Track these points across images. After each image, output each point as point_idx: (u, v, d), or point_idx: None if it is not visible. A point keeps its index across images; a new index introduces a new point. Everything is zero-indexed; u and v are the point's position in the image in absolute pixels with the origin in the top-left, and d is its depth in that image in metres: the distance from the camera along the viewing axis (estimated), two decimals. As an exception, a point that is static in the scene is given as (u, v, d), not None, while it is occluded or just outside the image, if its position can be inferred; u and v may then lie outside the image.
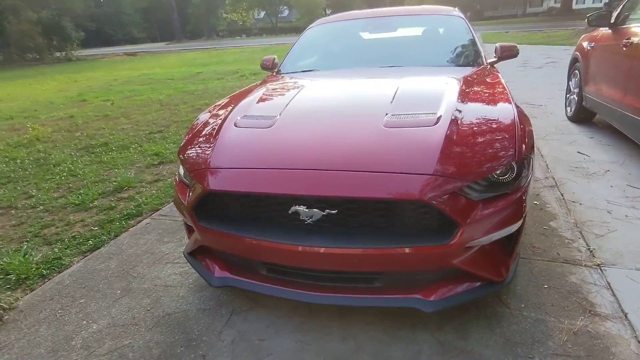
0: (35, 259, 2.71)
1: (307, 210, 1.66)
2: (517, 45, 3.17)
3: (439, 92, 2.19)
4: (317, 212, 1.66)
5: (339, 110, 2.15)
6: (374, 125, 1.88)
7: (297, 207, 1.67)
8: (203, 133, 2.17)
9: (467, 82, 2.38)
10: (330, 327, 1.94)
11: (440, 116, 1.89)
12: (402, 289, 1.76)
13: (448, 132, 1.77)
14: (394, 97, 2.16)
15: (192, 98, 8.71)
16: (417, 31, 3.39)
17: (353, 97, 2.38)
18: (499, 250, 1.81)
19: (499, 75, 2.66)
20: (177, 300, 2.22)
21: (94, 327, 2.06)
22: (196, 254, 2.12)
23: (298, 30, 54.01)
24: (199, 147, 2.06)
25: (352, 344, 1.83)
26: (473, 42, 3.07)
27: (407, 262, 1.65)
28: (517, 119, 1.90)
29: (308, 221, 1.68)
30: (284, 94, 2.54)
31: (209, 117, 2.37)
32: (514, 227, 1.76)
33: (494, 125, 1.87)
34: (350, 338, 1.86)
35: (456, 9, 3.58)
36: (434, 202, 1.55)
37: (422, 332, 1.86)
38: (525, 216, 1.82)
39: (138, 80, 12.97)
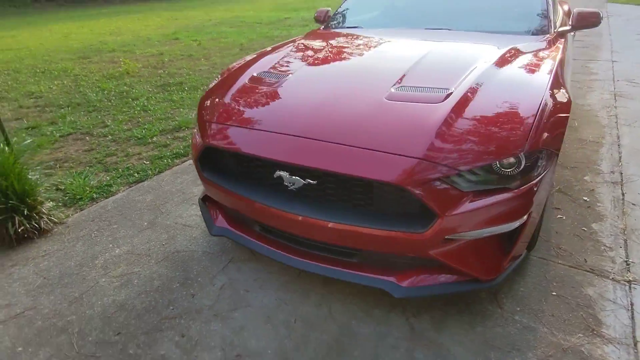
0: (92, 183, 3.08)
1: (289, 176, 1.65)
2: (601, 13, 2.66)
3: (466, 64, 1.96)
4: (298, 180, 1.64)
5: (350, 76, 2.04)
6: (376, 96, 1.76)
7: (280, 173, 1.67)
8: (221, 85, 2.20)
9: (509, 54, 2.09)
10: (311, 291, 1.97)
11: (451, 93, 1.70)
12: (377, 268, 1.71)
13: (452, 111, 1.60)
14: (413, 66, 1.98)
15: (271, 44, 8.75)
16: None
17: (371, 62, 2.22)
18: (492, 247, 1.66)
19: (560, 48, 2.28)
20: (190, 240, 2.39)
21: (116, 252, 2.32)
22: (207, 202, 2.24)
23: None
24: (212, 99, 2.10)
25: (325, 311, 1.85)
26: (544, 6, 2.63)
27: (380, 244, 1.59)
28: (543, 104, 1.64)
29: (290, 187, 1.67)
30: (308, 52, 2.45)
31: (235, 69, 2.38)
32: (511, 225, 1.59)
33: (511, 109, 1.65)
34: (326, 306, 1.88)
35: None
36: (411, 188, 1.44)
37: (397, 315, 1.82)
38: (530, 214, 1.62)
39: (229, 22, 13.29)
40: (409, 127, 1.58)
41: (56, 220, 2.60)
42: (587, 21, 2.61)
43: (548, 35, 2.46)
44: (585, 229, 2.35)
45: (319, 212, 1.63)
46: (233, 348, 1.70)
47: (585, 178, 2.90)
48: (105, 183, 3.08)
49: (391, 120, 1.63)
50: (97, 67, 7.12)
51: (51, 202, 2.73)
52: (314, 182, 1.61)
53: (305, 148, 1.60)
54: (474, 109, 1.63)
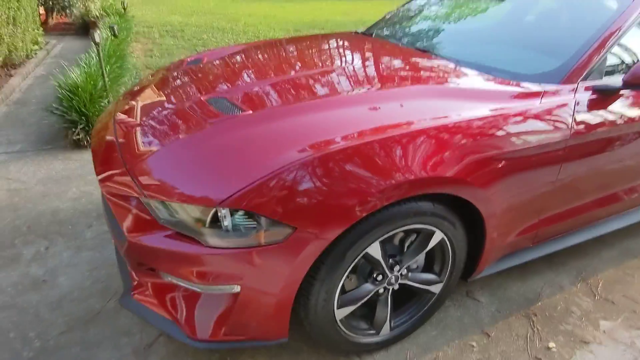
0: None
1: None
2: None
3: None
4: None
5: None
6: (195, 98, 1.60)
7: None
8: None
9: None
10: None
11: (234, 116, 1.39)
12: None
13: (196, 135, 1.36)
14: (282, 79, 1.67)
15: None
16: (540, 14, 2.00)
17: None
18: (203, 306, 1.30)
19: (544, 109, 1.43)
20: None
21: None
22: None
23: None
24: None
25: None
26: (589, 42, 1.59)
27: None
28: (298, 165, 1.16)
29: None
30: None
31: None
32: (210, 289, 1.25)
33: (253, 157, 1.22)
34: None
35: None
36: (107, 194, 1.37)
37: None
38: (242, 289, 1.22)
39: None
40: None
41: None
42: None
43: (550, 85, 1.53)
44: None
45: None
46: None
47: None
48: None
49: (167, 122, 1.47)
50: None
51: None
52: None
53: None
54: (224, 140, 1.28)
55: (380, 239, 1.32)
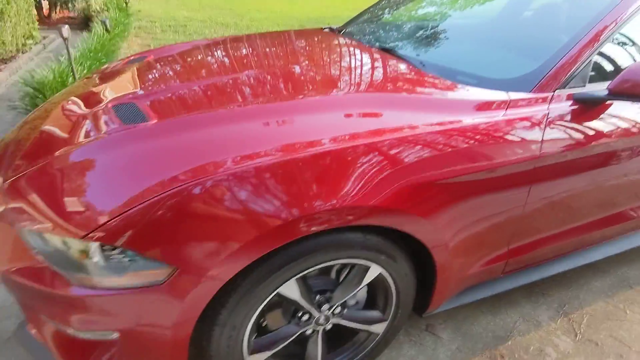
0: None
1: None
2: None
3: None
4: None
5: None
6: (103, 104, 1.39)
7: None
8: None
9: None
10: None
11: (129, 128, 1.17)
12: None
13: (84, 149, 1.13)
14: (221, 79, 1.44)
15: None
16: (516, 8, 1.72)
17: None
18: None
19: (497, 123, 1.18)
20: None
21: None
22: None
23: None
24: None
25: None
26: (571, 41, 1.33)
27: None
28: (166, 195, 0.94)
29: None
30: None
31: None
32: (86, 335, 1.05)
33: (129, 180, 1.00)
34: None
35: None
36: None
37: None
38: (123, 335, 1.02)
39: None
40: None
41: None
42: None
43: (519, 93, 1.27)
44: None
45: None
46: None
47: None
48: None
49: (63, 132, 1.28)
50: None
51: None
52: None
53: None
54: (108, 157, 1.07)
55: (296, 277, 1.10)
